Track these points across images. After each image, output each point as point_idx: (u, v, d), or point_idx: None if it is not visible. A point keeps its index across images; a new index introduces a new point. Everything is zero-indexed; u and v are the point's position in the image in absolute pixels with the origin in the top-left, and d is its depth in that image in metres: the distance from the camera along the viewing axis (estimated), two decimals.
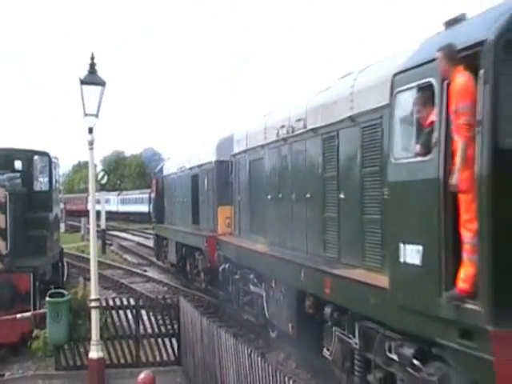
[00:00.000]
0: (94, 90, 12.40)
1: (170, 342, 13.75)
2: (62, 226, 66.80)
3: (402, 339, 7.94)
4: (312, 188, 12.08)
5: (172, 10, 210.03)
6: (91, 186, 13.02)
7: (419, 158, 7.26)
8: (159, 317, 13.82)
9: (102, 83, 12.44)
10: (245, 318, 17.18)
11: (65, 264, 23.09)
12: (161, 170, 33.14)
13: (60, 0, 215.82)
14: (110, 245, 48.91)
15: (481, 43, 6.38)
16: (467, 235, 6.39)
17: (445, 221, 6.79)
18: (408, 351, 7.64)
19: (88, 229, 57.11)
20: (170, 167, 30.58)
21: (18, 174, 18.29)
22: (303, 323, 12.42)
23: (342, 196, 10.56)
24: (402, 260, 7.55)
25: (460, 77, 6.59)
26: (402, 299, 7.61)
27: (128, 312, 13.77)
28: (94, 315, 12.37)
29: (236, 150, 18.28)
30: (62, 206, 72.31)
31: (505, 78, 6.22)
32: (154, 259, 32.68)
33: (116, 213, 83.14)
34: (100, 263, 34.71)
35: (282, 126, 13.70)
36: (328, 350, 10.75)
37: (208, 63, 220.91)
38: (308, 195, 12.21)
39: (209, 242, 20.64)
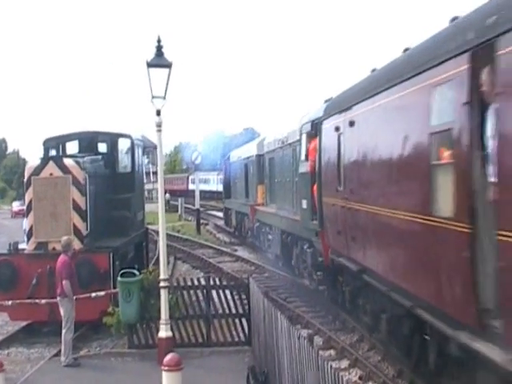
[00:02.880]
0: (160, 72, 12.47)
1: (241, 323, 13.79)
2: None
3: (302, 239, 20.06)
4: (288, 175, 23.29)
5: None
6: (159, 167, 13.21)
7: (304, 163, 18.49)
8: (230, 297, 13.83)
9: (168, 65, 12.47)
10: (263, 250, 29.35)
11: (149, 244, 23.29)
12: (228, 158, 42.96)
13: None
14: (206, 224, 49.61)
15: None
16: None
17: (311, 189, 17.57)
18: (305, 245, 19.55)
19: (185, 208, 58.52)
20: (233, 156, 40.58)
21: (99, 157, 18.68)
22: (283, 247, 23.84)
23: (296, 179, 21.11)
24: (302, 206, 18.97)
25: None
26: (302, 223, 19.18)
27: (199, 292, 13.90)
28: (164, 295, 12.54)
29: (263, 150, 29.84)
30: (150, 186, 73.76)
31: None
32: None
33: (216, 192, 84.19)
34: (192, 243, 35.66)
35: (279, 141, 25.38)
36: (292, 259, 22.33)
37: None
38: (288, 179, 23.37)
39: (251, 210, 31.33)
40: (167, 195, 76.83)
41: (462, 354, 7.98)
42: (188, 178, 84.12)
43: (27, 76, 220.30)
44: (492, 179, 7.04)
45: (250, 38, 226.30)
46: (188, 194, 72.82)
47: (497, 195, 6.87)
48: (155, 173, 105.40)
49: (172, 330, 13.01)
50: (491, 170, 7.10)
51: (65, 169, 15.68)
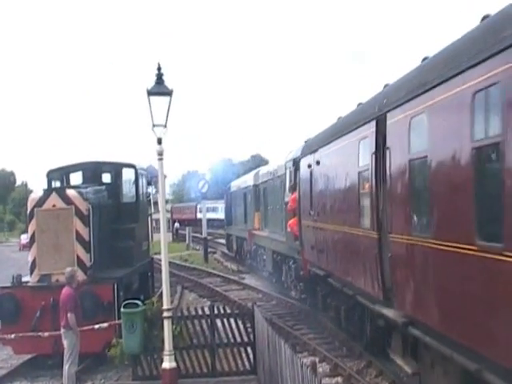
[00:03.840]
0: (161, 100, 12.45)
1: (246, 351, 13.60)
2: (169, 236, 68.55)
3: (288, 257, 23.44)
4: (278, 202, 26.43)
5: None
6: (161, 196, 13.12)
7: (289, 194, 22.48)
8: (234, 325, 13.67)
9: (168, 93, 12.45)
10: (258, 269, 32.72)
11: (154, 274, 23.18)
12: (229, 187, 47.13)
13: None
14: (214, 253, 49.48)
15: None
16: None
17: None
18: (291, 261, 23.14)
19: (193, 237, 58.42)
20: (233, 186, 44.37)
21: (103, 187, 18.67)
22: (275, 265, 27.29)
23: (286, 200, 23.39)
24: (287, 230, 22.45)
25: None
26: (288, 244, 22.91)
27: (203, 321, 13.74)
28: (167, 325, 12.41)
29: (259, 181, 33.10)
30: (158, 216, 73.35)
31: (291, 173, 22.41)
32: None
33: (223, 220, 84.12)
34: (200, 271, 35.51)
35: (271, 173, 28.97)
36: (282, 275, 25.57)
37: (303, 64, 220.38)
38: (277, 206, 26.55)
39: (249, 234, 34.78)
40: (176, 224, 77.04)
41: (379, 319, 12.27)
42: (196, 206, 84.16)
43: (33, 103, 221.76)
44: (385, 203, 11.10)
45: (256, 65, 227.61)
46: (197, 223, 72.78)
47: (387, 213, 10.97)
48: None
49: (176, 360, 12.84)
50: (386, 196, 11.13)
51: (68, 200, 15.64)
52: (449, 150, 8.27)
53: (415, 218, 9.79)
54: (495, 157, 7.10)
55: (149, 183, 32.19)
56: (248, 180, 37.26)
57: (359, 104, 14.77)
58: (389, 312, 11.01)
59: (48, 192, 15.99)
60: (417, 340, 10.02)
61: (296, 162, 21.03)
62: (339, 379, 13.41)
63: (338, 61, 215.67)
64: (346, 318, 15.80)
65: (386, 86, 12.69)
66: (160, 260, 39.53)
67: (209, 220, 52.56)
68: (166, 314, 12.43)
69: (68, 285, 12.98)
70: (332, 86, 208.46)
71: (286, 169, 23.52)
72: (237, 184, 43.04)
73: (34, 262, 15.78)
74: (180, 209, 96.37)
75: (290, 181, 22.39)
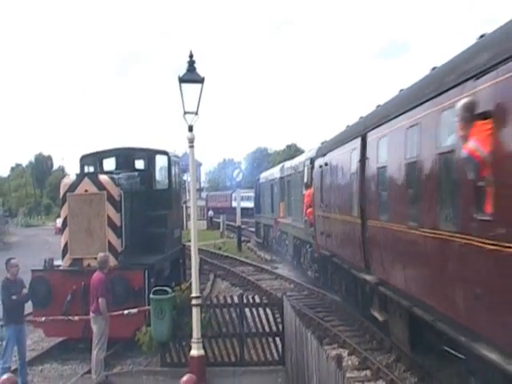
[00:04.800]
0: (192, 87, 12.35)
1: (274, 342, 13.46)
2: (204, 223, 68.70)
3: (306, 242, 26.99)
4: (299, 194, 29.18)
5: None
6: (192, 184, 13.06)
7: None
8: (263, 315, 13.55)
9: (200, 80, 12.35)
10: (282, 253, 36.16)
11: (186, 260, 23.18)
12: (258, 178, 49.87)
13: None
14: (248, 241, 49.47)
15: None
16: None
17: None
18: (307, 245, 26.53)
19: (227, 225, 58.49)
20: (262, 178, 47.57)
21: (136, 173, 18.67)
22: (295, 249, 30.74)
23: (303, 193, 26.37)
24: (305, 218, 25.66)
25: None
26: (305, 230, 26.06)
27: (232, 310, 13.66)
28: (195, 313, 12.35)
29: (284, 174, 35.62)
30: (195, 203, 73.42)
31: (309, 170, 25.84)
32: (287, 257, 34.20)
33: None
34: (233, 260, 35.49)
35: (293, 168, 32.23)
36: (301, 258, 28.92)
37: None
38: (298, 197, 29.39)
39: (274, 222, 38.42)
40: (210, 212, 77.20)
41: (363, 283, 15.95)
42: (232, 195, 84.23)
43: (71, 88, 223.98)
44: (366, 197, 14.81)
45: (294, 54, 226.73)
46: (232, 212, 72.88)
47: (364, 204, 14.90)
48: (200, 190, 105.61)
49: (205, 348, 12.78)
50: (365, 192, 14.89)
51: (100, 185, 15.69)
52: (395, 163, 12.23)
53: (380, 208, 13.47)
54: (416, 170, 10.69)
55: (184, 171, 32.19)
56: (275, 173, 40.17)
57: (359, 119, 17.65)
58: (368, 277, 14.53)
59: (80, 177, 16.06)
60: (385, 296, 13.41)
61: (312, 161, 24.68)
62: (368, 372, 13.25)
63: (376, 51, 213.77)
64: (346, 290, 19.35)
65: (377, 106, 15.42)
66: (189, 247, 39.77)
67: (243, 209, 52.53)
68: (194, 301, 12.36)
69: (100, 270, 13.00)
70: (369, 77, 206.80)
71: (304, 166, 27.36)
72: (265, 176, 46.20)
73: (65, 246, 15.90)
74: (215, 197, 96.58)
75: (307, 177, 25.94)
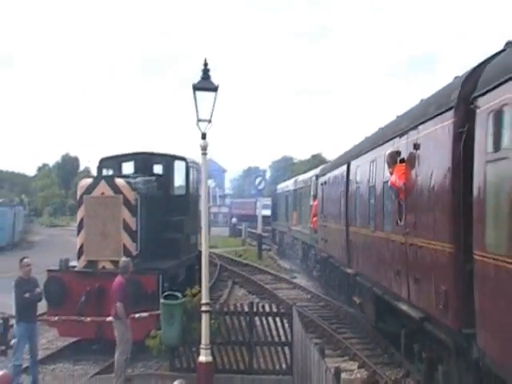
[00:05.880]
0: (206, 95, 12.41)
1: (283, 351, 13.47)
2: (226, 230, 68.78)
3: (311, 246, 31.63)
4: (307, 205, 33.05)
5: None
6: (203, 191, 13.12)
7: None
8: (273, 325, 13.57)
9: (214, 89, 12.42)
10: (293, 257, 40.39)
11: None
12: (275, 189, 55.25)
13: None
14: (269, 250, 49.42)
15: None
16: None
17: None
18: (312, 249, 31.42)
19: (249, 233, 58.52)
20: (278, 189, 52.51)
21: (153, 178, 18.79)
22: (303, 253, 35.30)
23: (310, 204, 31.58)
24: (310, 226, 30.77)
25: None
26: (310, 236, 31.00)
27: (242, 318, 13.69)
28: (205, 319, 12.40)
29: (297, 186, 39.17)
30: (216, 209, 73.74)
31: (315, 185, 31.45)
32: (314, 273, 33.87)
33: None
34: (252, 268, 35.51)
35: (304, 181, 35.95)
36: (307, 260, 34.03)
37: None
38: (307, 208, 33.09)
39: (288, 229, 42.05)
40: (234, 219, 77.29)
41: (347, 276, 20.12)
42: (256, 203, 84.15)
43: (96, 90, 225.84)
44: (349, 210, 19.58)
45: (324, 62, 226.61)
46: (255, 219, 72.87)
47: (347, 215, 19.72)
48: (223, 196, 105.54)
49: (213, 354, 12.85)
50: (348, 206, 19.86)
51: (116, 189, 15.84)
52: (364, 185, 17.14)
53: (356, 217, 18.37)
54: (373, 191, 15.69)
55: (209, 177, 32.64)
56: (289, 185, 44.55)
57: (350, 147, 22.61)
58: (349, 270, 19.33)
59: (97, 180, 16.22)
60: (360, 284, 17.73)
61: (317, 178, 29.64)
62: None
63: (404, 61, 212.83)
64: (338, 285, 23.71)
65: (365, 137, 19.45)
66: (213, 253, 40.26)
67: (265, 217, 52.50)
68: (204, 308, 12.43)
69: (121, 274, 13.04)
70: (393, 88, 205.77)
71: (311, 181, 32.50)
72: (281, 187, 51.34)
73: (81, 247, 16.07)
74: (239, 204, 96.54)
75: (314, 189, 30.80)
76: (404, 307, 12.24)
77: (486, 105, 8.32)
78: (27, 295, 12.78)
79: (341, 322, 20.06)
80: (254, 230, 59.45)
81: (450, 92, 10.15)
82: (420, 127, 11.65)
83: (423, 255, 11.03)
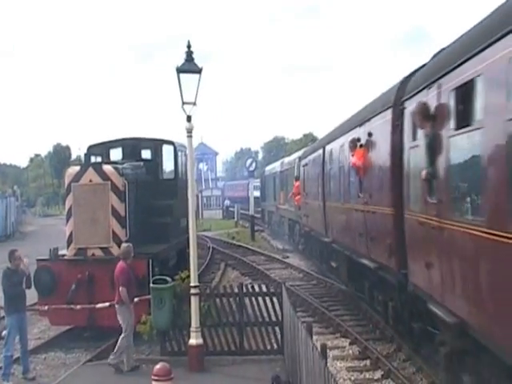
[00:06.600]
0: (190, 77, 12.37)
1: (274, 331, 13.53)
2: (219, 213, 68.84)
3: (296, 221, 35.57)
4: (292, 184, 35.02)
5: None
6: (190, 173, 13.08)
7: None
8: (263, 305, 13.61)
9: (198, 71, 12.38)
10: (280, 232, 43.72)
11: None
12: (264, 171, 57.82)
13: None
14: (262, 231, 49.51)
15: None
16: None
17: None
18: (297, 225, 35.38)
19: (242, 214, 58.60)
20: (267, 171, 55.45)
21: (141, 163, 18.72)
22: (290, 228, 39.00)
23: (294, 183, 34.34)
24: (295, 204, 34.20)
25: None
26: (295, 213, 34.37)
27: (231, 300, 13.72)
28: (194, 302, 12.45)
29: (283, 168, 41.82)
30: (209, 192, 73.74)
31: (298, 167, 34.95)
32: (299, 247, 35.00)
33: None
34: (245, 249, 35.56)
35: (289, 163, 39.01)
36: (293, 235, 37.94)
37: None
38: (292, 188, 34.69)
39: (276, 208, 45.02)
40: (227, 202, 77.36)
41: (326, 245, 23.50)
42: (249, 184, 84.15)
43: (85, 78, 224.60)
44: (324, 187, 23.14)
45: (309, 43, 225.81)
46: (248, 201, 72.98)
47: (324, 192, 23.08)
48: (215, 179, 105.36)
49: (204, 337, 12.92)
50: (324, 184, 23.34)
51: (104, 175, 15.77)
52: (336, 167, 19.94)
53: (331, 193, 21.18)
54: (341, 172, 18.75)
55: (200, 160, 32.68)
56: (276, 167, 47.11)
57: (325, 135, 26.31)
58: (326, 239, 22.44)
59: (85, 167, 16.10)
60: (337, 250, 20.58)
61: (300, 160, 32.66)
62: (367, 362, 13.28)
63: (395, 37, 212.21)
64: (319, 255, 26.96)
65: (340, 124, 21.38)
66: (207, 237, 40.41)
67: (257, 198, 52.63)
68: (193, 290, 12.47)
69: (123, 260, 13.02)
70: (389, 63, 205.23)
71: (294, 163, 35.74)
72: (269, 169, 54.21)
73: (70, 235, 16.02)
74: (232, 186, 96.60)
75: (297, 171, 33.90)
76: (365, 261, 15.40)
77: (409, 107, 11.46)
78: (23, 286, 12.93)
79: (333, 300, 20.13)
80: (246, 212, 59.56)
81: (390, 95, 13.29)
82: (372, 119, 14.86)
83: (376, 219, 14.18)
